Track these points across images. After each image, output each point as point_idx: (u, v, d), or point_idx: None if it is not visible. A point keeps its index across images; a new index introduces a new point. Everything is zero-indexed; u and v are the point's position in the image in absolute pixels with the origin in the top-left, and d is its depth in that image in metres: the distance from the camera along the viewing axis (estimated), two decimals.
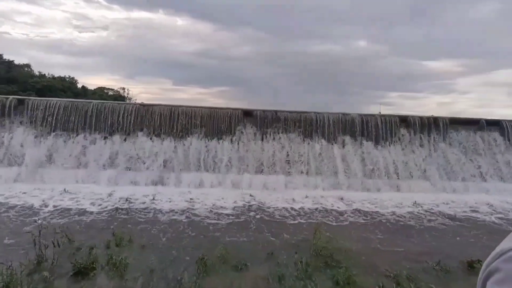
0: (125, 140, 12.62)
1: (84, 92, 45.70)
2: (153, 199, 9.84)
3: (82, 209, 8.73)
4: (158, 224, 7.79)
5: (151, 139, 12.73)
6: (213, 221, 8.14)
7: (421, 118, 14.31)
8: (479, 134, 14.06)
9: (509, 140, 13.91)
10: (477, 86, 69.12)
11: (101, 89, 51.77)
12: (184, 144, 12.71)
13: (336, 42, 69.67)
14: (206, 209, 9.17)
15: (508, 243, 0.77)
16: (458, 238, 7.63)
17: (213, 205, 9.56)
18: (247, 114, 13.64)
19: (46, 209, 8.58)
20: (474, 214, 9.69)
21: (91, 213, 8.44)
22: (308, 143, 13.27)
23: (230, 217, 8.56)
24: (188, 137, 12.91)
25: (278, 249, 6.49)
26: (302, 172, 12.60)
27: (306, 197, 11.03)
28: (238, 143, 12.97)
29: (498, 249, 0.79)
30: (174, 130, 12.94)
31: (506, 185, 12.57)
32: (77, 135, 12.52)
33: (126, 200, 9.62)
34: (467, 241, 7.42)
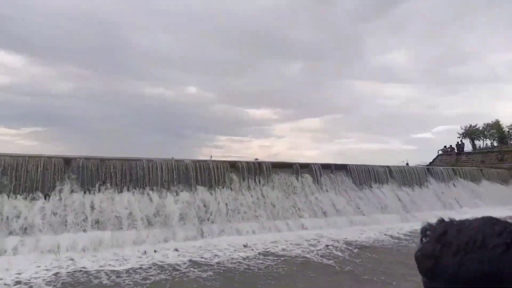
0: None
1: None
2: None
3: None
4: None
5: None
6: None
7: (247, 163, 15.50)
8: (295, 176, 16.14)
9: (317, 182, 16.45)
10: (289, 132, 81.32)
11: None
12: None
13: (169, 87, 70.67)
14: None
15: None
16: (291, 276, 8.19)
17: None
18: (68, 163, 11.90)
19: None
20: (296, 250, 10.71)
21: None
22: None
23: None
24: None
25: None
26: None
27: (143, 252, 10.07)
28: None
29: None
30: None
31: (318, 220, 14.64)
32: None
33: None
34: (299, 280, 8.00)
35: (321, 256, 10.10)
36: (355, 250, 10.88)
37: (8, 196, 10.57)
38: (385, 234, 13.57)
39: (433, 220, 0.84)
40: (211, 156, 28.74)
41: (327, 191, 16.50)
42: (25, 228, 10.16)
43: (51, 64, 65.81)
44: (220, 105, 76.34)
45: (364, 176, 18.44)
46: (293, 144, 78.72)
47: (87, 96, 67.38)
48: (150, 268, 8.65)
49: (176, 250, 10.42)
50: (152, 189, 12.73)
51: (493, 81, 67.52)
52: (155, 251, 10.14)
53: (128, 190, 12.33)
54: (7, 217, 10.15)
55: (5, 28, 53.45)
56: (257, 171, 15.30)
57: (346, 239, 12.28)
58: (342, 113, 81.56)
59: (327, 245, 11.39)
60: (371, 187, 18.32)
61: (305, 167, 16.77)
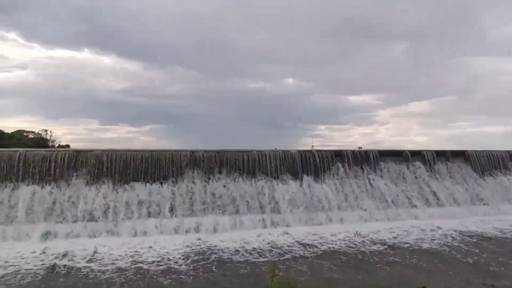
0: None
1: (0, 136, 41.56)
2: None
3: None
4: None
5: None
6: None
7: (353, 152, 15.41)
8: (405, 164, 15.48)
9: (430, 168, 15.53)
10: (393, 117, 76.51)
11: (19, 132, 47.50)
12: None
13: (267, 80, 72.96)
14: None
15: None
16: (406, 264, 8.14)
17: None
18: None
19: None
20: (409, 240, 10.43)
21: None
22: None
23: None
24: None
25: None
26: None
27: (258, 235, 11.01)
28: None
29: None
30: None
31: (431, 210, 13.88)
32: None
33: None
34: (413, 268, 7.92)
35: (437, 244, 9.72)
36: (474, 241, 10.15)
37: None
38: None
39: None
40: (313, 146, 28.72)
41: (442, 179, 15.43)
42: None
43: (162, 68, 73.75)
44: (319, 94, 75.72)
45: (487, 162, 16.67)
46: (398, 130, 73.94)
47: (195, 95, 73.81)
48: (271, 248, 9.46)
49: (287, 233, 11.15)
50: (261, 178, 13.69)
51: None
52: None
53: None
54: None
55: (125, 37, 61.82)
56: (363, 159, 15.12)
57: (462, 230, 11.47)
58: (456, 95, 73.35)
59: (445, 235, 10.85)
60: (494, 174, 16.50)
61: (416, 155, 15.94)
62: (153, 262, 8.40)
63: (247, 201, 12.82)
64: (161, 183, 12.74)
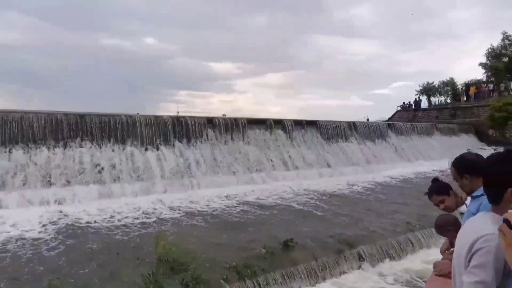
0: None
1: None
2: None
3: None
4: None
5: None
6: None
7: (224, 119, 16.01)
8: (268, 131, 16.94)
9: (289, 136, 17.39)
10: (253, 87, 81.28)
11: None
12: None
13: (125, 37, 66.99)
14: None
15: (484, 227, 1.40)
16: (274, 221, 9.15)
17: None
18: None
19: None
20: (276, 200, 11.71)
21: None
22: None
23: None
24: None
25: (119, 266, 6.17)
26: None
27: (126, 204, 10.61)
28: None
29: (476, 234, 1.45)
30: None
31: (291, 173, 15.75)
32: None
33: None
34: (279, 224, 8.99)
35: (295, 202, 11.21)
36: (324, 198, 12.10)
37: None
38: (348, 184, 14.86)
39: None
40: (178, 112, 28.31)
41: (298, 146, 17.51)
42: None
43: None
44: (183, 58, 74.07)
45: (332, 131, 19.58)
46: (257, 99, 79.29)
47: (38, 48, 62.90)
48: (148, 216, 9.30)
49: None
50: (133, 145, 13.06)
51: (451, 38, 70.22)
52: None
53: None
54: None
55: None
56: (233, 126, 15.87)
57: (316, 189, 13.48)
58: (305, 69, 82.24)
59: (298, 194, 12.53)
60: (337, 142, 19.56)
61: (278, 123, 17.56)
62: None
63: (120, 170, 12.14)
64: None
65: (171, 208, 10.25)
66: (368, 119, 30.88)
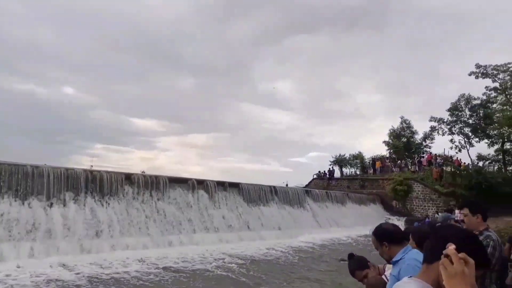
0: None
1: None
2: None
3: None
4: None
5: None
6: None
7: (144, 176, 15.29)
8: (191, 192, 16.50)
9: (211, 197, 17.11)
10: (176, 146, 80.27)
11: None
12: None
13: (41, 84, 62.53)
14: None
15: None
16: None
17: None
18: None
19: None
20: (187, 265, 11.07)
21: None
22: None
23: None
24: None
25: None
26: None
27: (18, 268, 9.12)
28: None
29: None
30: None
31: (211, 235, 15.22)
32: None
33: None
34: None
35: (214, 268, 10.72)
36: (243, 263, 11.80)
37: None
38: (267, 249, 14.78)
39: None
40: (91, 166, 26.49)
41: (220, 208, 17.24)
42: None
43: None
44: (101, 110, 70.98)
45: (254, 194, 19.79)
46: (179, 158, 78.08)
47: None
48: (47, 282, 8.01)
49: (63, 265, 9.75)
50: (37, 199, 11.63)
51: (358, 118, 78.75)
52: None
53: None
54: None
55: None
56: (153, 184, 15.18)
57: (236, 253, 13.12)
58: (229, 132, 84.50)
59: (217, 259, 12.06)
60: (258, 205, 19.74)
61: (201, 183, 17.27)
62: None
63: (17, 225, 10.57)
64: None
65: (77, 274, 9.03)
66: (287, 185, 31.99)
